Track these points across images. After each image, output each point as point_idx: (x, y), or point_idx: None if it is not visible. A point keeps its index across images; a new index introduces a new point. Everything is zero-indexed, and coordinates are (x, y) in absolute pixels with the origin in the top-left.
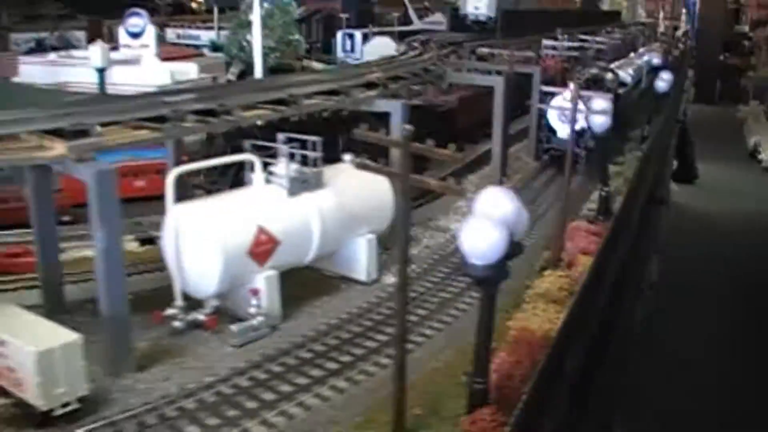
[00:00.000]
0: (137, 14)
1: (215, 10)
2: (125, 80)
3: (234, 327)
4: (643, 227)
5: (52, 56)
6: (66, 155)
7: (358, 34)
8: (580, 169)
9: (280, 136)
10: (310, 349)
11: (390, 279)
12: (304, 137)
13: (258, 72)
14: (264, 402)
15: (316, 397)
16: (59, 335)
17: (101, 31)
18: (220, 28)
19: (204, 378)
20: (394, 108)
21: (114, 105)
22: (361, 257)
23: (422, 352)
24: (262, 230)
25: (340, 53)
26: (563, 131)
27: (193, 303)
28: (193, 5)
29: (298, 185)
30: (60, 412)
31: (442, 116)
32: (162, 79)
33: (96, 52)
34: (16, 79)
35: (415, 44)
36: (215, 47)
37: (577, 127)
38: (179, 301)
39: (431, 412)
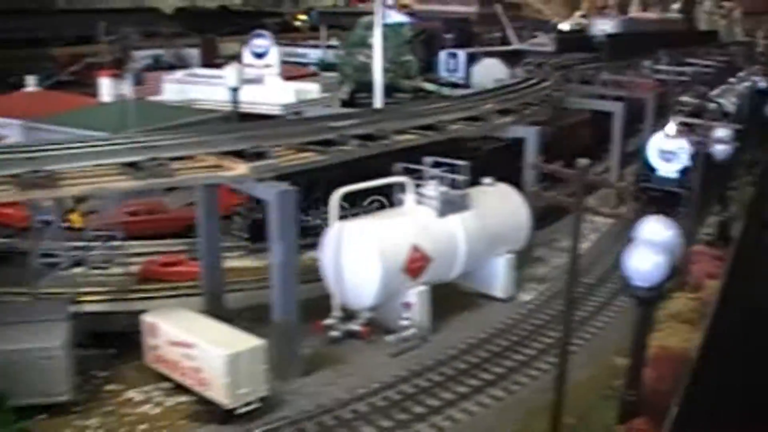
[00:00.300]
0: (261, 35)
1: (322, 29)
2: (253, 99)
3: (390, 338)
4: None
5: (180, 75)
6: (248, 175)
7: (461, 54)
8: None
9: (427, 159)
10: (463, 360)
11: (525, 296)
12: (451, 161)
13: (378, 93)
14: (429, 407)
15: (477, 405)
16: (245, 340)
17: (214, 49)
18: (327, 47)
19: (366, 384)
20: (529, 134)
21: (286, 129)
22: (499, 275)
23: None
24: (416, 248)
25: (443, 72)
26: (664, 169)
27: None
28: (297, 24)
29: (447, 206)
30: (243, 410)
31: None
32: (287, 98)
33: (231, 72)
34: (155, 97)
35: (531, 68)
36: (324, 66)
37: (679, 165)
38: (337, 312)
39: (582, 422)
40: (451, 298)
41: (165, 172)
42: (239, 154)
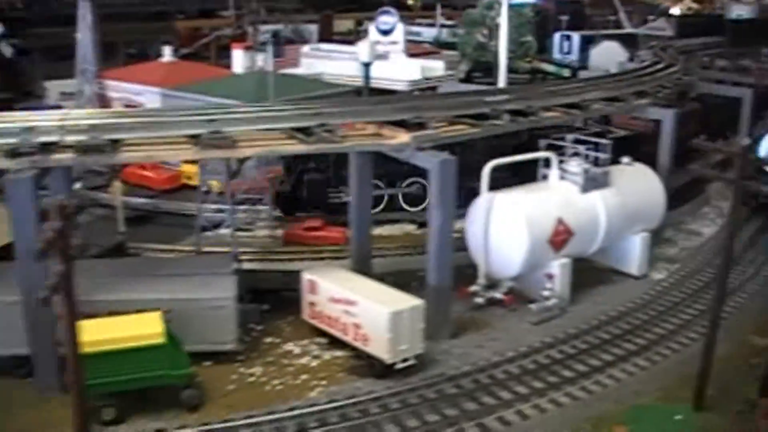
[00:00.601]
0: (388, 12)
1: (438, 7)
2: (380, 75)
3: (533, 306)
4: None
5: (309, 49)
6: (408, 144)
7: (575, 36)
8: None
9: (569, 136)
10: (604, 331)
11: (657, 275)
12: (594, 139)
13: (501, 73)
14: (577, 371)
15: (622, 372)
16: (406, 299)
17: (331, 26)
18: (441, 26)
19: (512, 348)
20: (666, 116)
21: (442, 101)
22: (634, 253)
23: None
24: (560, 221)
25: (556, 54)
26: None
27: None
28: (410, 2)
29: (590, 183)
30: (400, 366)
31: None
32: (413, 75)
33: (364, 48)
34: (293, 70)
35: (658, 52)
36: (439, 44)
37: None
38: (482, 280)
39: (722, 394)
40: (586, 273)
41: (333, 138)
42: (398, 124)
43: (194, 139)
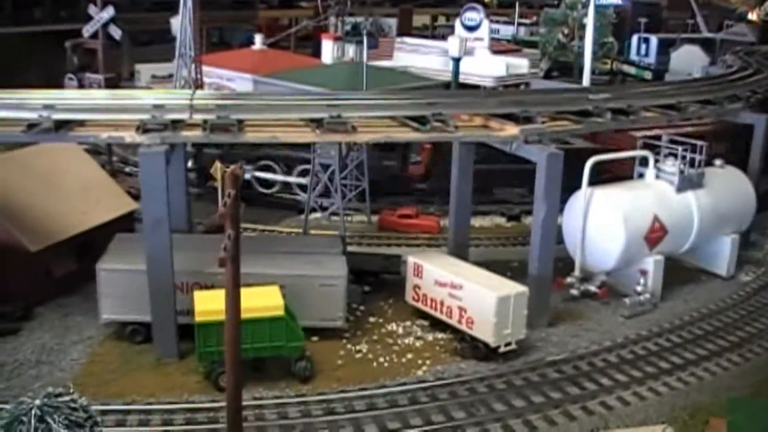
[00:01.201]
0: (474, 8)
1: (516, 5)
2: (466, 70)
3: (626, 300)
4: None
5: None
6: (517, 136)
7: (653, 39)
8: None
9: (665, 136)
10: (697, 327)
11: (745, 278)
12: (690, 140)
13: (586, 72)
14: (673, 364)
15: (717, 366)
16: (511, 286)
17: (411, 20)
18: (518, 24)
19: (607, 339)
20: (759, 121)
21: (547, 97)
22: (724, 254)
23: None
24: (656, 219)
25: (633, 56)
26: None
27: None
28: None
29: (685, 183)
30: (503, 349)
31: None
32: (499, 71)
33: (454, 43)
34: (380, 63)
35: (742, 57)
36: (516, 42)
37: None
38: (577, 272)
39: None
40: (675, 272)
41: (446, 128)
42: (506, 117)
43: (314, 123)
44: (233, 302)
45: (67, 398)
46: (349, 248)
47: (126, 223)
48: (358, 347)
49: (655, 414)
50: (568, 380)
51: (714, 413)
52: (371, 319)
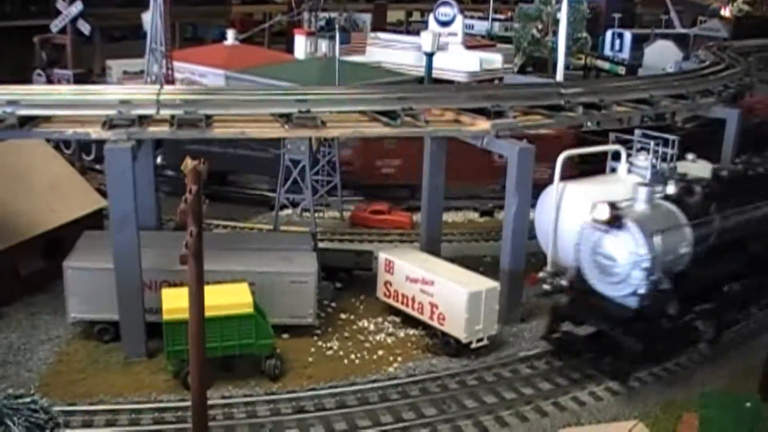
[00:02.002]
0: (447, 4)
1: (490, 1)
2: (440, 65)
3: None
4: None
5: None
6: (488, 131)
7: (627, 34)
8: None
9: (637, 131)
10: None
11: None
12: (661, 135)
13: (560, 68)
14: None
15: (689, 360)
16: (483, 281)
17: (385, 15)
18: (492, 19)
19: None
20: (731, 115)
21: (518, 91)
22: None
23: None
24: None
25: (607, 51)
26: None
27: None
28: None
29: (657, 177)
30: (475, 345)
31: None
32: (472, 67)
33: (427, 38)
34: (354, 58)
35: (715, 52)
36: (491, 37)
37: None
38: (549, 267)
39: None
40: None
41: (416, 123)
42: (478, 112)
43: (284, 118)
44: (196, 300)
45: (27, 399)
46: (321, 244)
47: (95, 220)
48: (329, 344)
49: (628, 409)
50: (540, 376)
51: (687, 408)
52: (342, 316)
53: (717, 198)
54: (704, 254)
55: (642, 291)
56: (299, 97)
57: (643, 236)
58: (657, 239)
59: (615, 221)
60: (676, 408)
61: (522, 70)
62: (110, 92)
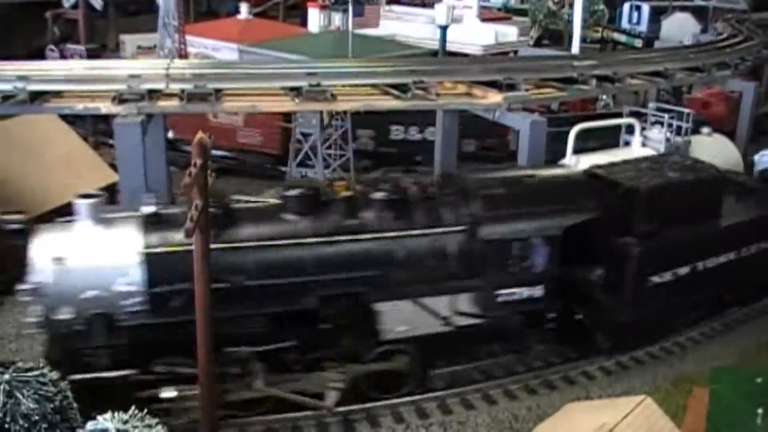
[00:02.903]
0: None
1: None
2: (454, 38)
3: None
4: None
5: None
6: (500, 104)
7: (645, 6)
8: None
9: (652, 104)
10: None
11: None
12: (676, 108)
13: (575, 40)
14: None
15: (701, 335)
16: None
17: None
18: None
19: None
20: (747, 88)
21: (531, 63)
22: None
23: None
24: None
25: (625, 24)
26: None
27: None
28: None
29: (671, 150)
30: None
31: None
32: (487, 39)
33: (442, 10)
34: (368, 31)
35: (733, 24)
36: (507, 10)
37: None
38: None
39: None
40: None
41: (427, 96)
42: (490, 85)
43: (294, 91)
44: (203, 275)
45: (36, 372)
46: None
47: (109, 195)
48: None
49: (638, 383)
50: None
51: (698, 383)
52: None
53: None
54: None
55: None
56: (309, 70)
57: None
58: None
59: None
60: (687, 383)
61: (538, 43)
62: (120, 67)
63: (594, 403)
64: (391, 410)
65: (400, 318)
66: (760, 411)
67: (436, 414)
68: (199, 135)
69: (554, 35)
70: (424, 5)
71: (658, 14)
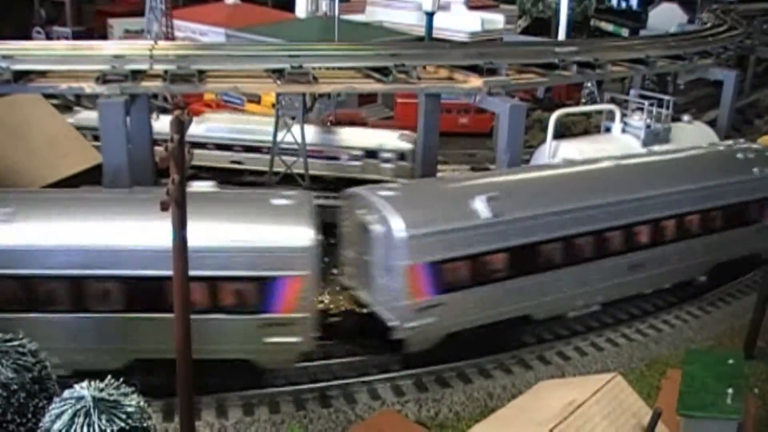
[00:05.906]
0: None
1: None
2: (440, 25)
3: None
4: None
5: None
6: (481, 88)
7: None
8: None
9: (633, 91)
10: None
11: None
12: (657, 95)
13: (562, 29)
14: (631, 314)
15: (676, 318)
16: None
17: None
18: None
19: None
20: (728, 77)
21: (513, 49)
22: None
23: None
24: None
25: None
26: None
27: None
28: None
29: (651, 137)
30: None
31: None
32: (473, 26)
33: None
34: (355, 17)
35: (718, 14)
36: None
37: None
38: None
39: None
40: None
41: (408, 79)
42: (471, 69)
43: (276, 73)
44: (180, 252)
45: (15, 343)
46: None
47: (93, 176)
48: (319, 298)
49: (613, 364)
50: (526, 331)
51: (672, 365)
52: (334, 271)
53: None
54: None
55: None
56: (292, 52)
57: None
58: None
59: None
60: (661, 365)
61: (526, 32)
62: (104, 47)
63: (566, 380)
64: (367, 387)
65: None
66: (730, 391)
67: (411, 391)
68: (176, 112)
69: (543, 24)
70: None
71: (646, 4)
